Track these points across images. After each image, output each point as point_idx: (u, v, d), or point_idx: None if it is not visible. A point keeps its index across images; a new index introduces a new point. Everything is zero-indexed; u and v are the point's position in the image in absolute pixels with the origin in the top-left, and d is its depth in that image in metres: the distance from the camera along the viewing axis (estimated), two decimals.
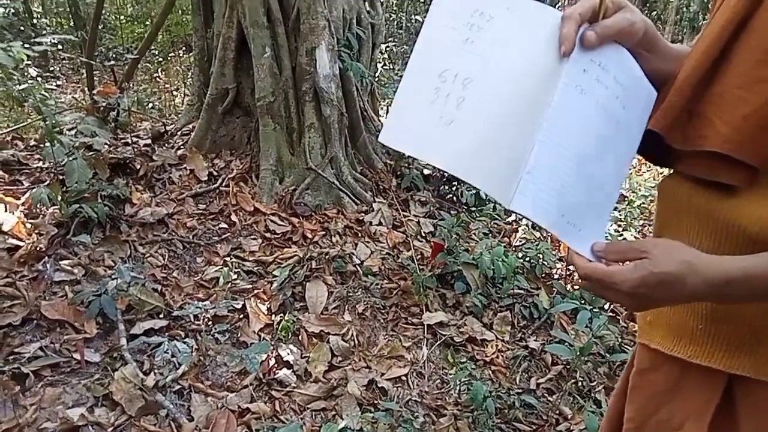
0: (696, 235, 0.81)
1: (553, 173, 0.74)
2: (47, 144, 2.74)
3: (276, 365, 2.26)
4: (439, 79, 0.73)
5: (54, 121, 2.77)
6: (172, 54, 8.07)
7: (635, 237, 3.75)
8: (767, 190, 0.74)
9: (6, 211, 2.64)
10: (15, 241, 2.50)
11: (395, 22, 11.00)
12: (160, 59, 7.73)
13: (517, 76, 0.73)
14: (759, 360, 0.79)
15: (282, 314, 2.50)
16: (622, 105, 0.79)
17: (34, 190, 2.67)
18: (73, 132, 3.27)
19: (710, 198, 0.79)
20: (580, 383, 2.43)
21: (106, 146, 3.19)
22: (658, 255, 0.71)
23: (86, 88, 4.54)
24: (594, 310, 2.59)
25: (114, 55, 7.79)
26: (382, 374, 2.34)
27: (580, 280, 0.82)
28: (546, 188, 0.74)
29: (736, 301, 0.76)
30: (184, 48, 8.55)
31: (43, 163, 3.17)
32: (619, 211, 4.20)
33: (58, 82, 7.37)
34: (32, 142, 3.55)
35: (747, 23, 0.74)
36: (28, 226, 2.62)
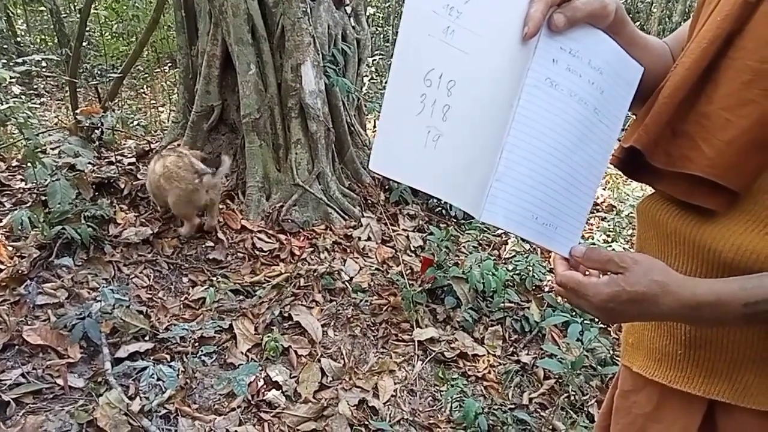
0: (674, 257, 0.80)
1: (525, 176, 0.72)
2: (29, 165, 2.70)
3: (265, 386, 2.23)
4: (424, 83, 0.67)
5: (36, 142, 2.73)
6: (158, 70, 8.04)
7: (624, 248, 3.76)
8: (744, 215, 0.73)
9: None
10: None
11: (381, 35, 11.07)
12: (146, 75, 7.70)
13: (495, 73, 0.69)
14: (737, 386, 0.78)
15: (270, 334, 2.47)
16: (600, 90, 0.76)
17: (15, 212, 2.62)
18: (56, 152, 3.23)
19: (688, 221, 0.78)
20: (572, 397, 2.41)
21: (90, 166, 3.16)
22: (634, 272, 0.71)
23: (70, 107, 4.50)
24: (585, 322, 2.58)
25: (99, 72, 7.75)
26: (374, 393, 2.31)
27: (556, 287, 0.80)
28: (517, 193, 0.72)
29: (707, 324, 0.76)
30: (169, 64, 8.53)
31: (26, 184, 3.12)
32: (608, 221, 4.22)
33: (42, 99, 7.31)
34: (14, 163, 3.50)
35: (734, 41, 0.72)
36: (10, 249, 2.57)
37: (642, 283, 0.70)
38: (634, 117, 0.87)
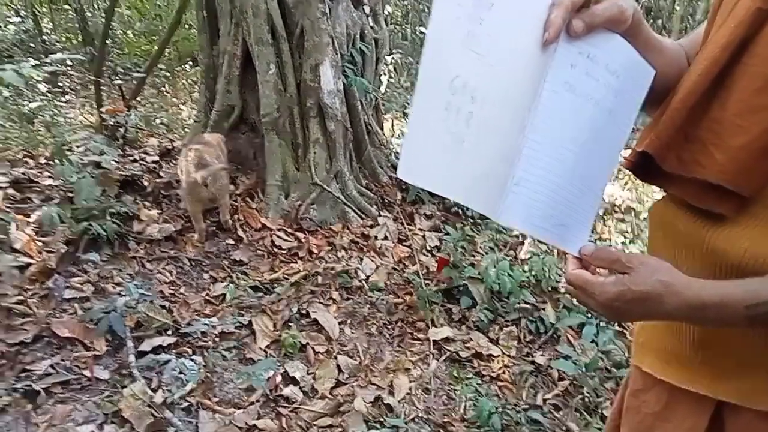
0: (683, 260, 0.81)
1: (542, 179, 0.74)
2: (57, 162, 2.78)
3: (282, 381, 2.28)
4: (449, 91, 0.68)
5: (64, 140, 2.81)
6: (179, 68, 8.15)
7: (642, 250, 3.74)
8: (754, 220, 0.74)
9: (17, 229, 2.68)
10: (26, 259, 2.53)
11: (400, 33, 11.08)
12: (167, 74, 7.81)
13: (515, 78, 0.70)
14: (744, 388, 0.79)
15: (288, 330, 2.52)
16: (615, 93, 0.77)
17: (44, 208, 2.71)
18: (81, 149, 3.32)
19: (698, 224, 0.79)
20: (586, 399, 2.42)
21: (114, 163, 3.23)
22: (639, 273, 0.72)
23: (94, 105, 4.60)
24: (600, 324, 2.59)
25: (122, 70, 7.89)
26: (389, 390, 2.35)
27: (566, 285, 0.83)
28: (533, 196, 0.74)
29: (712, 325, 0.77)
30: (190, 62, 8.64)
31: (53, 181, 3.21)
32: (626, 223, 4.20)
33: (67, 97, 7.46)
34: (42, 160, 3.60)
35: (747, 47, 0.73)
36: (39, 243, 2.65)
37: (647, 283, 0.71)
38: (647, 120, 0.88)
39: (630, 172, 0.88)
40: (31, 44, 8.16)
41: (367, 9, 3.77)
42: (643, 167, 0.84)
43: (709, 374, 0.82)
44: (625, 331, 2.89)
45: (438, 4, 0.66)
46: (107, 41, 4.76)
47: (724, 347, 0.80)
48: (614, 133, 0.81)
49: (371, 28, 3.89)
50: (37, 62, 2.93)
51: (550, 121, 0.72)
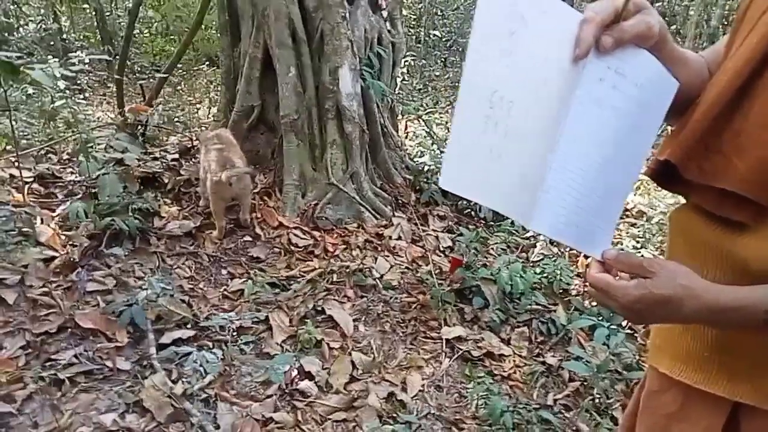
0: (703, 265, 0.83)
1: (570, 187, 0.77)
2: (82, 159, 2.86)
3: (298, 376, 2.33)
4: (488, 105, 0.71)
5: (89, 137, 2.89)
6: (196, 68, 8.26)
7: (653, 254, 3.75)
8: None
9: (42, 222, 2.76)
10: (50, 252, 2.61)
11: (414, 36, 11.14)
12: (183, 73, 7.92)
13: (547, 92, 0.74)
14: (761, 389, 0.81)
15: (304, 326, 2.57)
16: (640, 106, 0.80)
17: (70, 203, 2.79)
18: (103, 147, 3.40)
19: (718, 232, 0.82)
20: (597, 400, 2.45)
21: (136, 161, 3.31)
22: (660, 277, 0.75)
23: (114, 103, 4.69)
24: (612, 327, 2.61)
25: (139, 68, 8.00)
26: (402, 387, 2.39)
27: (587, 287, 0.85)
28: (562, 204, 0.77)
29: (731, 328, 0.80)
30: (207, 63, 8.75)
31: (76, 177, 3.29)
32: (638, 228, 4.21)
33: (86, 95, 7.58)
34: (65, 156, 3.69)
35: None
36: (63, 237, 2.73)
37: (668, 287, 0.74)
38: (669, 129, 0.91)
39: (650, 179, 0.91)
40: (51, 42, 8.30)
41: (384, 13, 3.82)
42: (664, 175, 0.87)
43: (726, 375, 0.84)
44: (636, 334, 2.91)
45: (479, 22, 0.69)
46: (129, 43, 4.85)
47: (742, 349, 0.82)
48: (638, 143, 0.84)
49: (388, 32, 3.94)
50: (63, 61, 3.01)
51: (577, 132, 0.75)
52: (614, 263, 0.82)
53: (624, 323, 2.94)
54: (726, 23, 9.43)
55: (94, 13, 8.91)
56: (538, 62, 0.73)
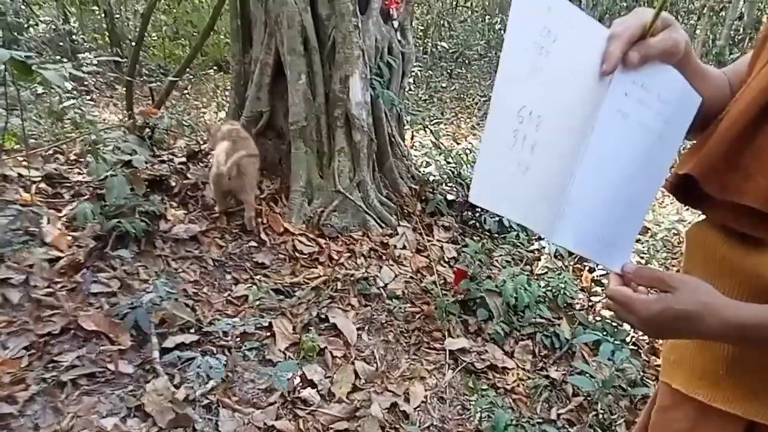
0: (721, 281, 0.83)
1: (593, 201, 0.78)
2: (90, 160, 2.86)
3: (301, 384, 2.32)
4: (517, 120, 0.72)
5: (99, 138, 2.89)
6: (203, 73, 8.30)
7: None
8: None
9: (48, 223, 2.76)
10: (56, 252, 2.60)
11: (420, 47, 11.19)
12: (191, 77, 7.96)
13: (573, 107, 0.75)
14: None
15: (307, 334, 2.56)
16: (664, 120, 0.81)
17: (77, 204, 2.78)
18: (110, 148, 3.40)
19: (736, 248, 0.82)
20: (600, 416, 2.43)
21: (143, 163, 3.31)
22: (682, 292, 0.75)
23: (120, 105, 4.71)
24: (616, 342, 2.60)
25: (147, 72, 8.04)
26: (405, 398, 2.38)
27: (606, 299, 0.85)
28: (586, 217, 0.78)
29: (749, 345, 0.80)
30: (214, 68, 8.80)
31: (83, 177, 3.29)
32: (642, 244, 4.20)
33: (92, 96, 7.61)
34: (72, 157, 3.69)
35: None
36: (69, 238, 2.73)
37: (689, 302, 0.74)
38: (689, 144, 0.91)
39: (669, 193, 0.91)
40: (60, 43, 8.35)
41: (396, 24, 3.84)
42: (682, 189, 0.87)
43: (741, 393, 0.84)
44: (640, 351, 2.90)
45: (511, 38, 0.70)
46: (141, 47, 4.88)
47: (758, 367, 0.82)
48: (660, 157, 0.85)
49: (399, 42, 3.96)
50: (74, 63, 3.02)
51: (602, 146, 0.76)
52: (634, 277, 0.83)
53: (629, 339, 2.93)
54: (732, 43, 9.47)
55: (103, 15, 8.98)
56: (565, 77, 0.73)
